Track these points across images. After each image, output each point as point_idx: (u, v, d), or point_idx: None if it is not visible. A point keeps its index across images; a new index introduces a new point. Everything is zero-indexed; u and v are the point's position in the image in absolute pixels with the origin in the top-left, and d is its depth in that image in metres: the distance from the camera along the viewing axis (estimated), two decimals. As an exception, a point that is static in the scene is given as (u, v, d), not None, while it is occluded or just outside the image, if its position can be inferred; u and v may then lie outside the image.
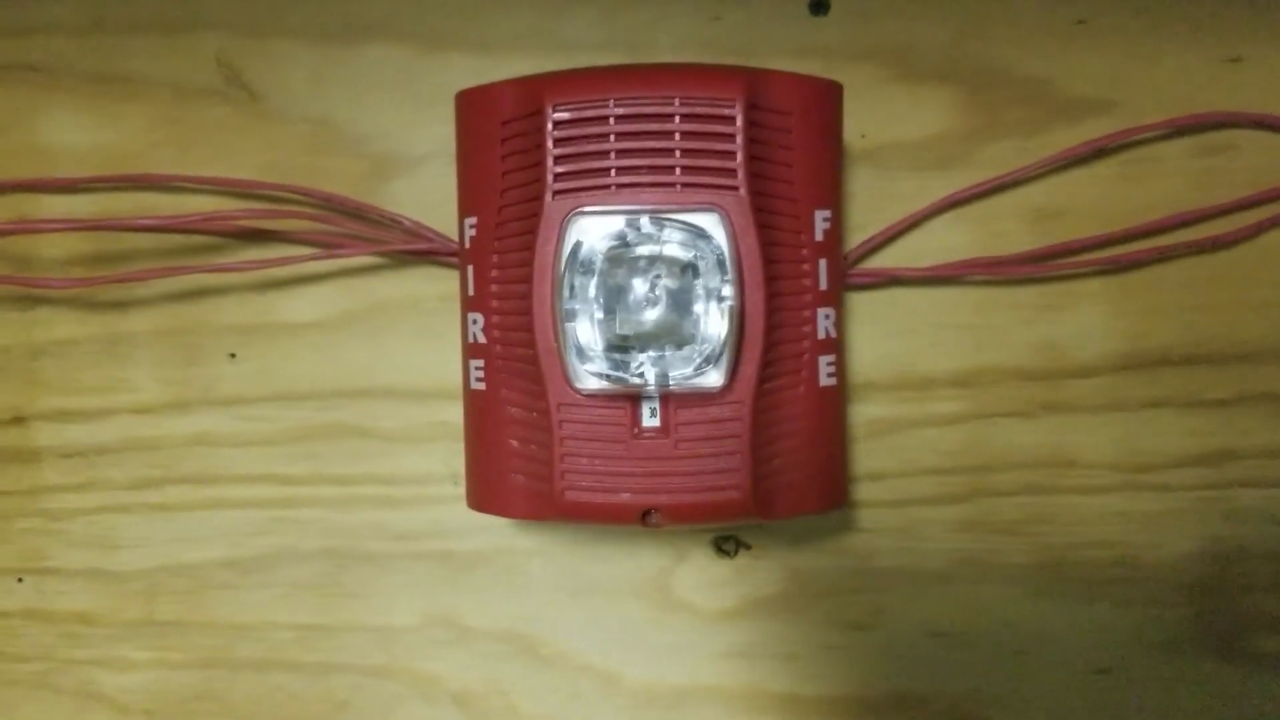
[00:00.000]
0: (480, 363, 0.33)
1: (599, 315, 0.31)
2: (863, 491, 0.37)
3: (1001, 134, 0.37)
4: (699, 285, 0.31)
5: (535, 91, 0.31)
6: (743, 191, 0.31)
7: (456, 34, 0.37)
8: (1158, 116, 0.36)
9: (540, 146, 0.31)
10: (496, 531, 0.37)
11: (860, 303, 0.37)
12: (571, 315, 0.31)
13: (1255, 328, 0.36)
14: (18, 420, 0.38)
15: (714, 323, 0.31)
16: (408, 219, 0.36)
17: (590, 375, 0.31)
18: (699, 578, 0.37)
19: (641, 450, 0.31)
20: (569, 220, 0.31)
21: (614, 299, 0.31)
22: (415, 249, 0.36)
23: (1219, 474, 0.37)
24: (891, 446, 0.37)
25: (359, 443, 0.38)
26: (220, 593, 0.38)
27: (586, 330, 0.31)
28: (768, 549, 0.37)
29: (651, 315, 0.31)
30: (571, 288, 0.31)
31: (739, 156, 0.30)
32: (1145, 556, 0.37)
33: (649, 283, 0.31)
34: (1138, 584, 0.37)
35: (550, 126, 0.31)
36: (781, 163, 0.32)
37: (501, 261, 0.32)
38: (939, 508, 0.37)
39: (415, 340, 0.37)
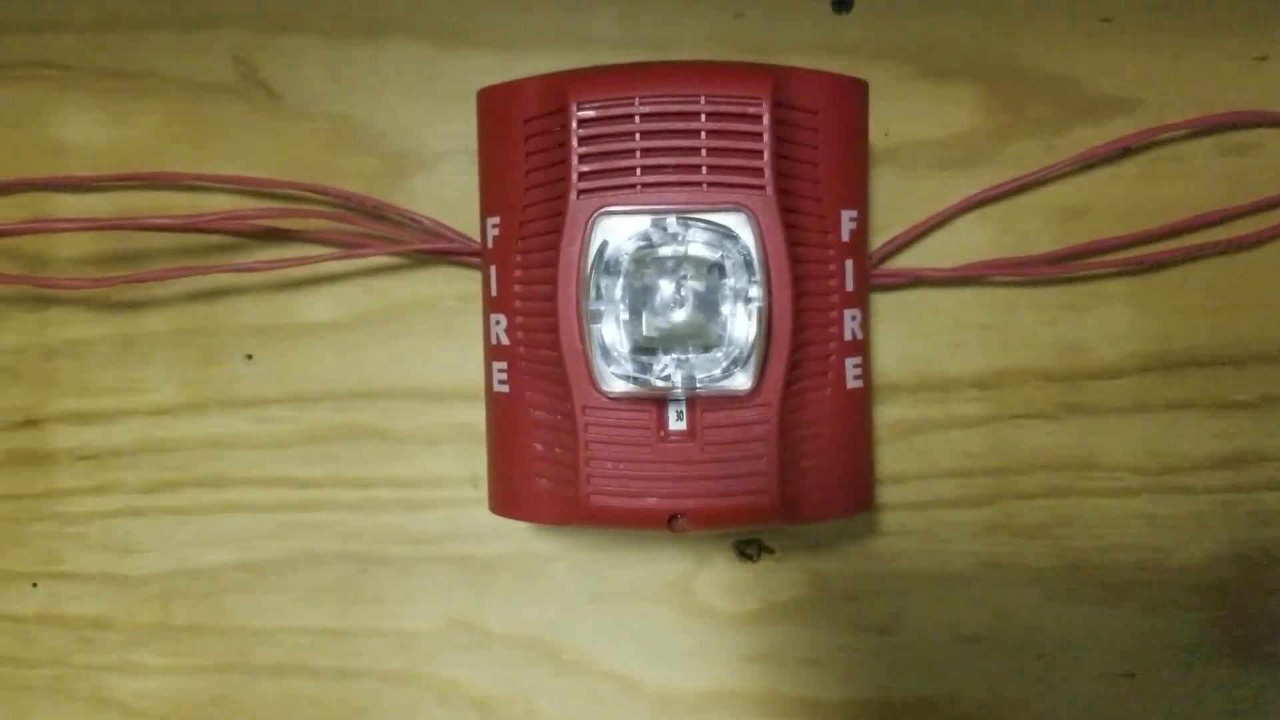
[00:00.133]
0: (503, 364, 0.32)
1: (625, 317, 0.31)
2: (885, 494, 0.37)
3: (1025, 133, 0.36)
4: (725, 286, 0.31)
5: (559, 89, 0.30)
6: (769, 191, 0.30)
7: (476, 30, 0.37)
8: (1183, 115, 0.36)
9: (564, 145, 0.30)
10: (517, 535, 0.37)
11: (883, 303, 0.36)
12: (597, 316, 0.30)
13: (1282, 329, 0.36)
14: (31, 422, 0.38)
15: (741, 324, 0.30)
16: (427, 218, 0.36)
17: (616, 378, 0.31)
18: (720, 582, 0.37)
19: (668, 454, 0.31)
20: (594, 220, 0.30)
21: (640, 300, 0.31)
22: (435, 249, 0.36)
23: (1244, 476, 0.36)
24: (914, 448, 0.37)
25: (377, 444, 0.37)
26: (237, 597, 0.38)
27: (612, 332, 0.31)
28: (789, 552, 0.37)
29: (678, 317, 0.31)
30: (597, 288, 0.30)
31: (765, 156, 0.30)
32: (1170, 559, 0.37)
33: (675, 284, 0.31)
34: (1162, 587, 0.37)
35: (575, 125, 0.30)
36: (808, 162, 0.31)
37: (525, 262, 0.32)
38: (961, 510, 0.37)
39: (434, 341, 0.37)
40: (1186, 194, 0.36)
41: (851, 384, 0.32)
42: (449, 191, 0.36)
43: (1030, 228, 0.36)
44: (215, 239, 0.37)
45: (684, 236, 0.31)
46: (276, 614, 0.38)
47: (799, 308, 0.31)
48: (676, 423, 0.31)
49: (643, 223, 0.30)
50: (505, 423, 0.33)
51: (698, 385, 0.30)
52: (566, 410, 0.31)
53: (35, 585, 0.38)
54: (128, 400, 0.37)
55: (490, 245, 0.33)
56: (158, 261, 0.37)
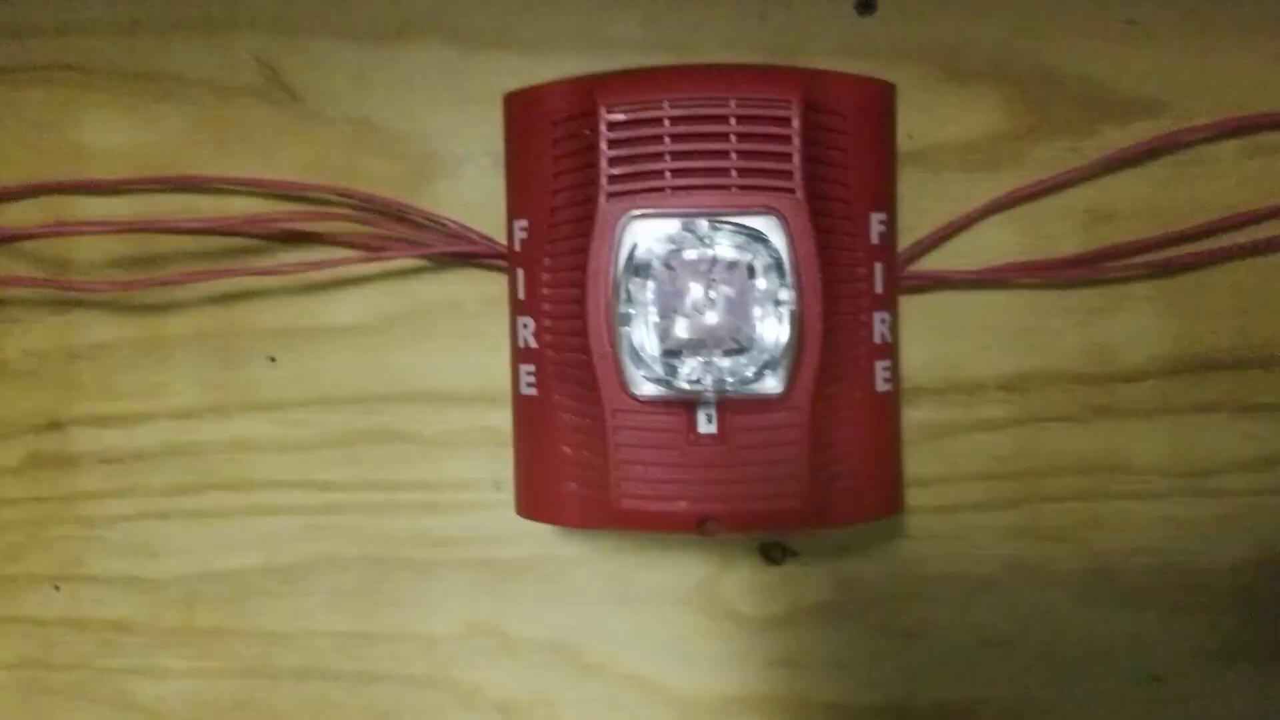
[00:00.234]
0: (531, 368, 0.32)
1: (655, 320, 0.31)
2: (911, 497, 0.36)
3: (1051, 135, 0.36)
4: (756, 289, 0.30)
5: (588, 92, 0.30)
6: (800, 194, 0.30)
7: (500, 33, 0.36)
8: (1209, 117, 0.36)
9: (593, 148, 0.30)
10: (540, 538, 0.37)
11: (908, 305, 0.36)
12: (627, 319, 0.30)
13: (1309, 331, 0.36)
14: (55, 425, 0.38)
15: (771, 327, 0.30)
16: (452, 221, 0.35)
17: (646, 380, 0.30)
18: (746, 585, 0.37)
19: (698, 457, 0.30)
20: (624, 223, 0.30)
21: (670, 303, 0.30)
22: (459, 251, 0.35)
23: (1272, 479, 0.36)
24: (940, 452, 0.37)
25: (400, 447, 0.37)
26: (260, 600, 0.37)
27: (641, 335, 0.31)
28: (815, 556, 0.37)
29: (709, 320, 0.30)
30: (627, 291, 0.30)
31: (795, 159, 0.30)
32: (1197, 563, 0.36)
33: (705, 286, 0.30)
34: (1190, 590, 0.36)
35: (604, 128, 0.30)
36: (837, 165, 0.31)
37: (553, 265, 0.32)
38: (988, 514, 0.37)
39: (457, 343, 0.37)
40: (1213, 196, 0.36)
41: (881, 387, 0.32)
42: (472, 194, 0.36)
43: (1056, 230, 0.36)
44: (238, 242, 0.37)
45: (714, 239, 0.30)
46: (299, 617, 0.37)
47: (829, 310, 0.31)
48: (706, 426, 0.31)
49: (673, 225, 0.30)
50: (533, 426, 0.33)
51: (728, 388, 0.30)
52: (596, 413, 0.31)
53: (58, 588, 0.38)
54: (151, 403, 0.37)
55: (518, 248, 0.33)
56: (181, 264, 0.37)
